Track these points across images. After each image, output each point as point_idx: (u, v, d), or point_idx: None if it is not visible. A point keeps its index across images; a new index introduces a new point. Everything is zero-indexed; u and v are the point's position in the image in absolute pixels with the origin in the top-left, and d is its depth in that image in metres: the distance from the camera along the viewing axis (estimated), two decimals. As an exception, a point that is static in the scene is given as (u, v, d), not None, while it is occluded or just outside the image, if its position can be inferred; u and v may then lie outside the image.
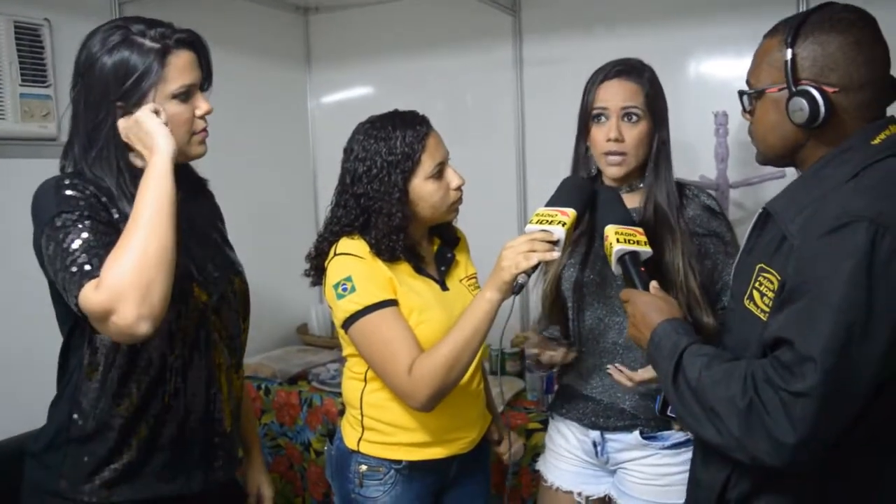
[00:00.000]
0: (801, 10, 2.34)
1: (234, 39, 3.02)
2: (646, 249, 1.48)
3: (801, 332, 1.06)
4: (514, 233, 3.01)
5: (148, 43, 1.35)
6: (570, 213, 1.48)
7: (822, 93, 1.15)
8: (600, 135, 1.69)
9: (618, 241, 1.47)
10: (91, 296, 1.17)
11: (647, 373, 1.61)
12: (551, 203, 1.53)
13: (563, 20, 2.86)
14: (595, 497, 1.82)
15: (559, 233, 1.45)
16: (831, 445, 1.08)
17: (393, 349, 1.52)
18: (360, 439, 1.67)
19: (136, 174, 1.33)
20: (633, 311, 1.40)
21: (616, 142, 1.67)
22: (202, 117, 1.42)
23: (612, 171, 1.70)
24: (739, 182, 2.44)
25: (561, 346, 1.76)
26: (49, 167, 2.34)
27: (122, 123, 1.33)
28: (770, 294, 1.17)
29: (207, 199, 1.61)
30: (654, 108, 1.70)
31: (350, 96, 3.48)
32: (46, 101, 2.40)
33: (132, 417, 1.39)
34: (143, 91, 1.34)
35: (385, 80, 3.34)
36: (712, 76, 2.62)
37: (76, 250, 1.22)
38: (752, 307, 1.21)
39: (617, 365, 1.67)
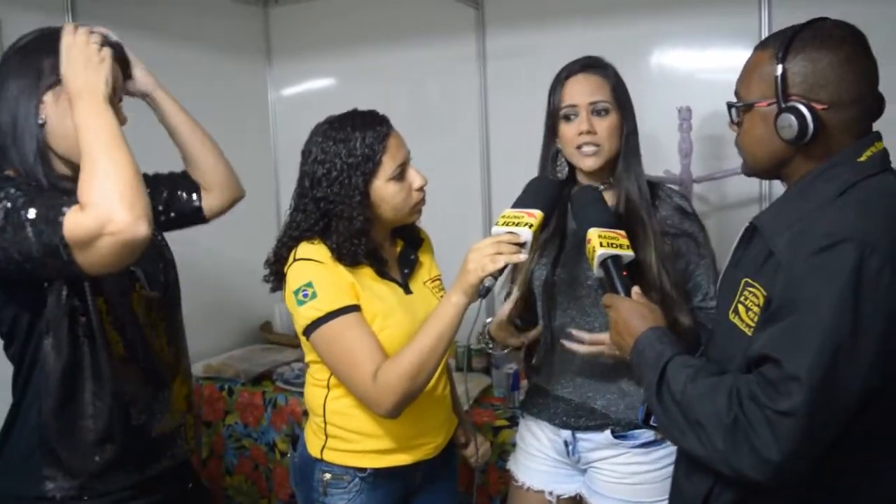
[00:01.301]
0: (762, 6, 2.40)
1: (192, 33, 2.95)
2: (628, 253, 1.47)
3: (788, 350, 1.06)
4: (479, 229, 3.02)
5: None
6: (537, 214, 1.47)
7: (812, 110, 1.14)
8: (571, 131, 1.68)
9: (601, 244, 1.45)
10: (79, 218, 1.14)
11: (601, 336, 1.59)
12: (518, 204, 1.51)
13: (527, 13, 2.84)
14: (566, 496, 1.82)
15: (526, 235, 1.43)
16: (815, 460, 1.08)
17: (356, 356, 1.49)
18: (323, 447, 1.64)
19: (45, 156, 1.32)
20: (616, 317, 1.39)
21: (589, 133, 1.66)
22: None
23: (587, 162, 1.68)
24: (703, 177, 2.45)
25: (520, 333, 1.75)
26: None
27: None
28: (755, 309, 1.17)
29: None
30: (621, 100, 1.70)
31: (311, 90, 3.44)
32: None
33: (104, 407, 1.38)
34: (54, 75, 1.31)
35: (347, 73, 3.30)
36: (676, 70, 2.62)
37: (37, 213, 1.17)
38: (736, 321, 1.21)
39: (570, 332, 1.64)
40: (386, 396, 1.47)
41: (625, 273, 1.45)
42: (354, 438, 1.62)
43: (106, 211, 1.13)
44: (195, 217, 1.72)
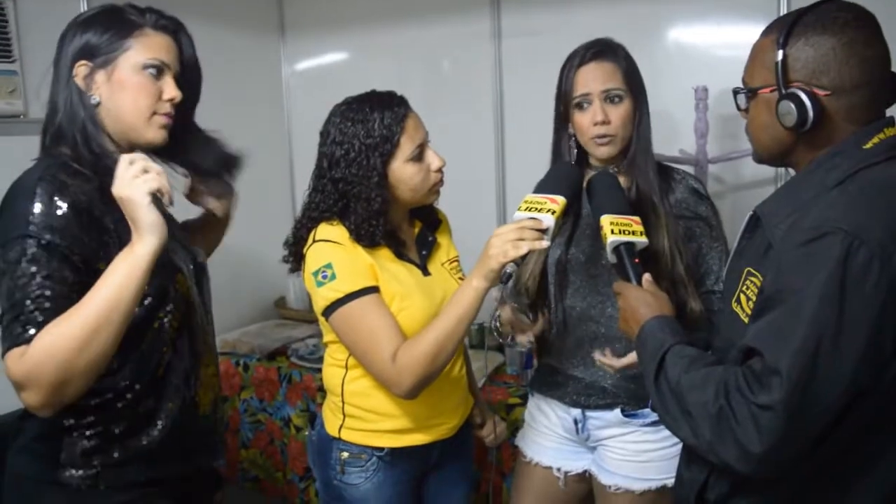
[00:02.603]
0: (782, -19, 2.37)
1: (206, 8, 2.91)
2: (641, 240, 1.46)
3: (771, 343, 1.05)
4: (493, 208, 3.02)
5: (129, 16, 1.37)
6: (560, 200, 1.46)
7: (812, 96, 1.12)
8: (585, 120, 1.68)
9: (612, 231, 1.45)
10: (12, 364, 1.19)
11: (628, 359, 1.60)
12: (540, 189, 1.51)
13: (542, -10, 2.82)
14: (574, 473, 1.85)
15: (548, 221, 1.43)
16: (806, 454, 1.08)
17: (376, 337, 1.50)
18: (341, 426, 1.66)
19: (95, 144, 1.34)
20: (623, 304, 1.40)
21: (603, 124, 1.66)
22: (169, 101, 1.40)
23: (602, 151, 1.69)
24: (719, 157, 2.43)
25: (529, 325, 1.74)
26: (17, 144, 2.27)
27: (115, 185, 1.25)
28: (755, 298, 1.16)
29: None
30: (633, 84, 1.69)
31: (325, 66, 3.42)
32: (12, 77, 2.34)
33: (127, 402, 1.38)
34: (110, 52, 1.34)
35: (360, 49, 3.28)
36: (692, 48, 2.59)
37: (27, 296, 1.21)
38: (738, 310, 1.21)
39: (601, 353, 1.65)
40: (405, 377, 1.48)
41: (637, 260, 1.45)
42: (372, 418, 1.64)
43: (29, 382, 1.18)
44: None
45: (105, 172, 1.31)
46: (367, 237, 1.56)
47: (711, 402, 1.10)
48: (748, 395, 1.05)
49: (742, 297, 1.20)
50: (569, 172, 1.59)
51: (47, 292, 1.22)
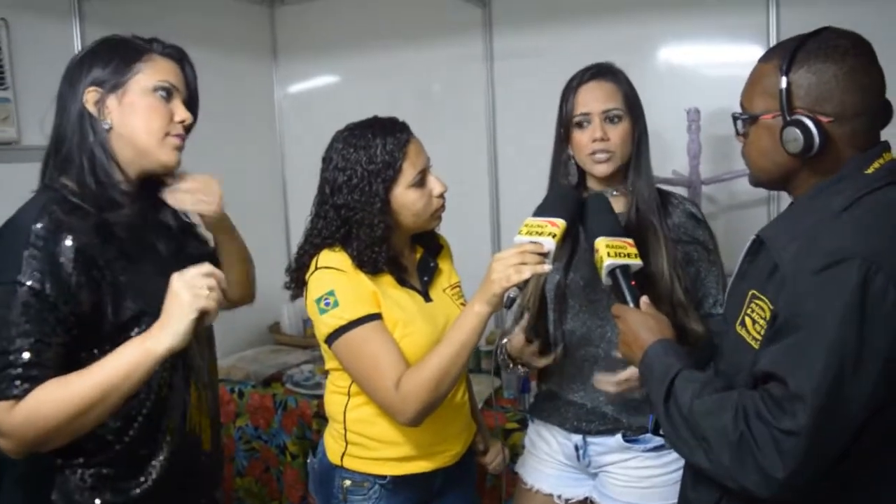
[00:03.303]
0: (770, 5, 2.39)
1: (198, 32, 2.92)
2: (636, 262, 1.46)
3: (793, 369, 1.06)
4: (486, 230, 3.02)
5: (136, 42, 1.38)
6: (560, 223, 1.46)
7: (817, 123, 1.13)
8: (585, 138, 1.69)
9: (608, 254, 1.44)
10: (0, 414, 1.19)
11: (626, 373, 1.58)
12: (539, 212, 1.51)
13: (534, 13, 2.84)
14: (575, 500, 1.83)
15: (550, 245, 1.43)
16: (822, 477, 1.08)
17: (379, 364, 1.49)
18: (343, 454, 1.64)
19: (102, 172, 1.32)
20: (624, 328, 1.39)
21: (602, 140, 1.67)
22: (181, 123, 1.40)
23: (600, 168, 1.69)
24: (712, 178, 2.45)
25: (542, 356, 1.74)
26: (10, 172, 2.28)
27: (181, 279, 1.24)
28: (762, 322, 1.16)
29: (178, 216, 1.56)
30: (632, 106, 1.71)
31: (318, 89, 3.44)
32: (5, 105, 2.33)
33: (122, 440, 1.35)
34: (120, 77, 1.34)
35: (353, 72, 3.30)
36: (683, 70, 2.62)
37: (12, 347, 1.20)
38: (743, 333, 1.21)
39: (599, 377, 1.64)
40: (408, 405, 1.47)
41: (633, 283, 1.45)
42: (374, 446, 1.62)
43: (12, 437, 1.20)
44: None
45: (108, 205, 1.30)
46: (369, 264, 1.55)
47: (731, 429, 1.10)
48: (770, 420, 1.06)
49: (747, 320, 1.20)
50: (568, 195, 1.59)
51: (33, 344, 1.20)
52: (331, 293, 1.51)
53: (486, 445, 1.86)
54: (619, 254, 1.45)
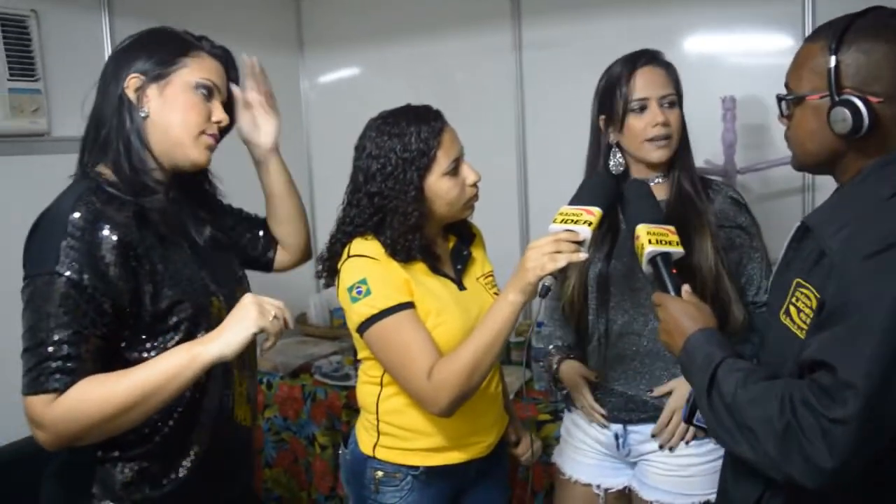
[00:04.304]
0: (809, -10, 2.35)
1: (225, 24, 2.90)
2: (678, 250, 1.43)
3: (843, 357, 1.03)
4: (515, 223, 3.00)
5: (186, 37, 1.39)
6: (596, 212, 1.43)
7: (866, 102, 1.11)
8: (641, 123, 1.68)
9: (650, 241, 1.42)
10: (36, 409, 1.19)
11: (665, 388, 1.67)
12: (575, 201, 1.49)
13: (564, 1, 2.80)
14: (614, 490, 1.82)
15: (585, 233, 1.40)
16: (870, 464, 1.06)
17: (411, 354, 1.47)
18: (375, 444, 1.64)
19: (137, 158, 1.32)
20: (665, 316, 1.37)
21: (664, 126, 1.66)
22: (217, 123, 1.40)
23: (658, 154, 1.69)
24: (746, 167, 2.41)
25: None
26: (41, 163, 2.30)
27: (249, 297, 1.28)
28: (807, 311, 1.14)
29: (215, 208, 1.57)
30: (680, 94, 1.72)
31: (344, 80, 3.43)
32: (36, 96, 2.34)
33: (162, 432, 1.35)
34: (165, 68, 1.34)
35: (380, 63, 3.28)
36: (717, 58, 2.57)
37: (51, 339, 1.20)
38: (788, 322, 1.19)
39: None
40: (441, 394, 1.45)
41: (674, 270, 1.42)
42: (407, 436, 1.61)
43: (49, 431, 1.20)
44: (263, 267, 1.74)
45: (142, 190, 1.30)
46: (402, 252, 1.54)
47: (777, 418, 1.08)
48: (818, 409, 1.04)
49: (792, 308, 1.18)
50: (604, 183, 1.57)
51: (72, 336, 1.20)
52: (363, 281, 1.50)
53: (519, 436, 1.85)
54: (661, 241, 1.42)
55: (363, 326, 1.51)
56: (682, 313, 1.34)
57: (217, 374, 1.41)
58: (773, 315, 1.26)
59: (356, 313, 1.51)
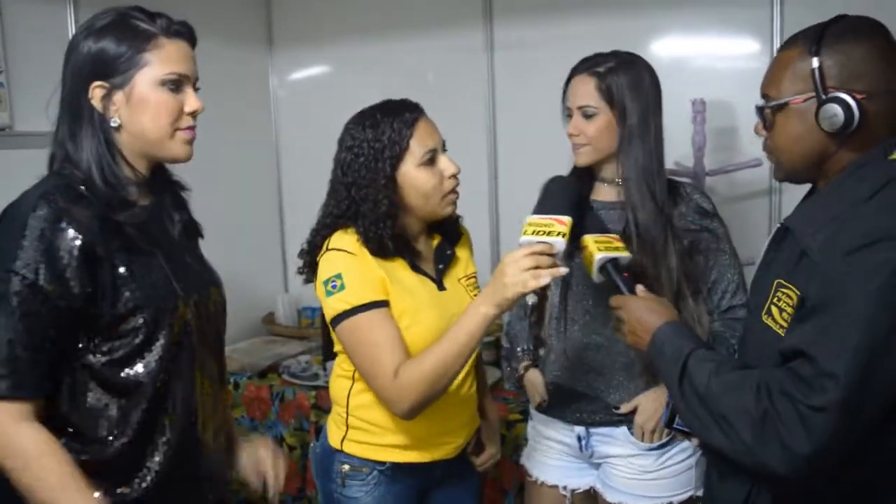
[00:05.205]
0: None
1: (194, 20, 2.86)
2: (625, 255, 1.46)
3: (824, 347, 1.06)
4: (485, 222, 2.99)
5: (142, 25, 1.28)
6: (567, 221, 1.42)
7: (854, 98, 1.14)
8: (568, 129, 1.73)
9: (598, 249, 1.44)
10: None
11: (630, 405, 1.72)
12: (542, 210, 1.48)
13: (536, 3, 2.81)
14: (580, 490, 1.83)
15: (560, 245, 1.39)
16: (855, 463, 1.08)
17: (379, 352, 1.47)
18: (343, 438, 1.63)
19: (110, 174, 1.27)
20: (627, 317, 1.39)
21: (574, 136, 1.71)
22: (191, 115, 1.33)
23: (576, 159, 1.74)
24: (716, 170, 2.43)
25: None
26: (3, 158, 2.24)
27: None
28: (789, 310, 1.16)
29: (188, 213, 1.50)
30: (614, 100, 1.67)
31: (314, 78, 3.40)
32: (-2, 89, 2.28)
33: (118, 441, 1.29)
34: (127, 71, 1.27)
35: (350, 62, 3.26)
36: (686, 61, 2.59)
37: (4, 340, 1.17)
38: (770, 322, 1.20)
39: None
40: (405, 396, 1.45)
41: (626, 274, 1.45)
42: (375, 431, 1.61)
43: (6, 437, 1.19)
44: None
45: (119, 204, 1.26)
46: (374, 241, 1.53)
47: (753, 406, 1.10)
48: (798, 397, 1.06)
49: (774, 308, 1.20)
50: (567, 188, 1.57)
51: (24, 338, 1.18)
52: (338, 276, 1.50)
53: (483, 445, 1.81)
54: (608, 247, 1.45)
55: (335, 321, 1.51)
56: (644, 310, 1.36)
57: (181, 382, 1.35)
58: (754, 316, 1.28)
59: (330, 307, 1.51)
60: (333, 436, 1.66)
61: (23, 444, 1.19)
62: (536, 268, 1.36)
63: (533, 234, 1.41)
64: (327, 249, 1.55)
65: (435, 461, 1.64)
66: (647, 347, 1.33)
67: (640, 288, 1.42)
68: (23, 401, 1.20)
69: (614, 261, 1.44)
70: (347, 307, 1.49)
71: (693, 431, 1.24)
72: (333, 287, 1.50)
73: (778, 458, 1.07)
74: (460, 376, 1.56)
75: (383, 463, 1.61)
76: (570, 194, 1.54)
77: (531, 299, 1.39)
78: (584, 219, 1.52)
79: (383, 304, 1.51)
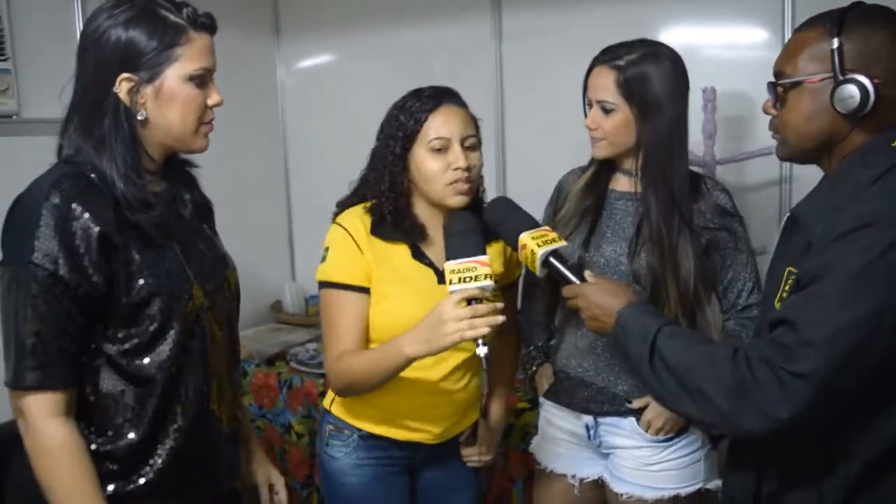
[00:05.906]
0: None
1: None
2: (563, 244, 1.48)
3: (807, 316, 1.08)
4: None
5: (171, 17, 1.27)
6: (486, 260, 1.44)
7: (871, 81, 1.15)
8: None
9: (538, 245, 1.44)
10: (28, 403, 1.21)
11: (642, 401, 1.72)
12: (456, 254, 1.46)
13: (545, -10, 2.79)
14: (588, 480, 1.83)
15: (489, 286, 1.42)
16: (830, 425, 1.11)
17: (335, 332, 1.59)
18: (332, 400, 1.75)
19: (133, 171, 1.27)
20: (584, 304, 1.40)
21: (589, 129, 1.71)
22: (214, 107, 1.35)
23: (593, 152, 1.73)
24: (726, 159, 2.41)
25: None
26: (9, 145, 2.25)
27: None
28: None
29: (199, 191, 1.51)
30: (633, 96, 1.63)
31: (321, 67, 3.38)
32: (5, 76, 2.29)
33: (132, 429, 1.31)
34: (157, 65, 1.26)
35: (358, 51, 3.24)
36: (693, 50, 2.55)
37: (29, 330, 1.19)
38: None
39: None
40: (336, 379, 1.60)
41: (571, 262, 1.47)
42: (354, 399, 1.69)
43: (35, 430, 1.22)
44: None
45: (140, 206, 1.26)
46: (376, 213, 1.62)
47: (729, 374, 1.13)
48: (777, 363, 1.08)
49: (786, 296, 1.21)
50: (470, 227, 1.51)
51: (47, 328, 1.19)
52: (327, 249, 1.62)
53: (475, 438, 1.81)
54: (546, 241, 1.46)
55: (319, 285, 1.63)
56: (601, 293, 1.38)
57: (192, 374, 1.36)
58: (768, 304, 1.29)
59: (318, 271, 1.63)
60: (327, 398, 1.78)
61: (49, 440, 1.21)
62: (475, 318, 1.37)
63: (459, 281, 1.42)
64: (335, 221, 1.66)
65: (411, 442, 1.70)
66: (612, 329, 1.34)
67: (588, 273, 1.45)
68: (52, 391, 1.21)
69: (555, 252, 1.45)
70: (324, 278, 1.61)
71: (666, 405, 1.29)
72: (322, 257, 1.63)
73: (754, 421, 1.10)
74: (448, 370, 1.64)
75: (360, 430, 1.71)
76: (476, 231, 1.51)
77: (484, 351, 1.38)
78: (518, 221, 1.52)
79: (357, 289, 1.60)
